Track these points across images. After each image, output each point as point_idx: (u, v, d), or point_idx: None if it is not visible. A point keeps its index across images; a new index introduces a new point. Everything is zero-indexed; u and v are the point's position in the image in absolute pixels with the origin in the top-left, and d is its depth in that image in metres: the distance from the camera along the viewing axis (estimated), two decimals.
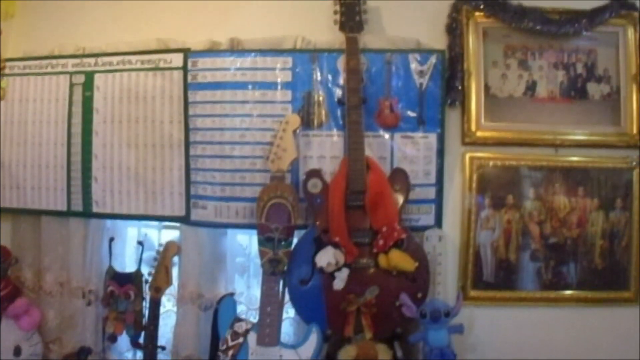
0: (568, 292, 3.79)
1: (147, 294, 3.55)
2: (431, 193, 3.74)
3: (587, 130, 3.78)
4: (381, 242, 3.41)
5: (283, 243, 3.43)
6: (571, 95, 3.77)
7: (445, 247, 3.70)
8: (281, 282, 3.38)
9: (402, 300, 3.34)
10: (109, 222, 3.92)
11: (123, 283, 3.61)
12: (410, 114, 3.70)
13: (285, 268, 3.38)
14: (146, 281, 3.54)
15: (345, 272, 3.34)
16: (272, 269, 3.40)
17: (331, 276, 3.33)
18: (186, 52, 3.69)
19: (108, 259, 3.75)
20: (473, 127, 3.80)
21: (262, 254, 3.41)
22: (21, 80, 4.01)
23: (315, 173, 3.53)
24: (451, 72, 3.70)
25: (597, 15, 3.59)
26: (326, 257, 3.28)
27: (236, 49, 3.69)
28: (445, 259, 3.71)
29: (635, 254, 3.69)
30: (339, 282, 3.31)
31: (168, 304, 3.80)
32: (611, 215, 3.74)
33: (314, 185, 3.54)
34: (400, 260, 3.39)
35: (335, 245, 3.31)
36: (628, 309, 3.68)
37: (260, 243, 3.42)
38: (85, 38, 3.95)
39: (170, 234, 3.84)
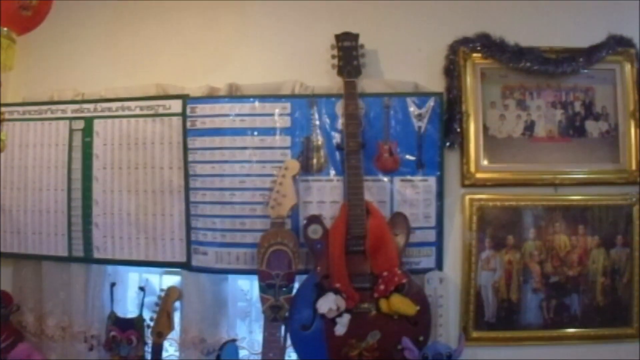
0: (570, 330, 3.77)
1: (149, 339, 3.54)
2: (431, 235, 3.74)
3: (586, 168, 3.77)
4: (382, 287, 3.39)
5: (284, 289, 3.40)
6: (569, 133, 3.78)
7: (447, 289, 3.66)
8: (283, 328, 3.37)
9: (404, 344, 3.35)
10: (110, 268, 3.85)
11: (125, 328, 3.60)
12: (409, 157, 3.71)
13: (287, 314, 3.34)
14: (148, 326, 3.54)
15: (346, 318, 3.31)
16: (273, 315, 3.38)
17: (333, 321, 3.30)
18: (185, 98, 3.71)
19: (110, 304, 3.70)
20: (472, 169, 3.81)
21: (263, 300, 3.40)
22: (21, 125, 4.00)
23: (316, 219, 3.52)
24: (449, 114, 3.71)
25: (594, 53, 3.64)
26: (327, 304, 3.27)
27: (235, 95, 3.70)
28: (446, 300, 3.66)
29: (637, 290, 3.67)
30: (341, 328, 3.29)
31: (170, 349, 3.77)
32: (612, 252, 3.74)
33: (314, 231, 3.53)
34: (401, 304, 3.36)
35: (336, 291, 3.29)
36: (631, 345, 3.67)
37: (262, 289, 3.40)
38: (84, 83, 3.96)
39: (172, 279, 3.81)
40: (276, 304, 3.40)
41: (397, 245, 3.48)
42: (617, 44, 3.68)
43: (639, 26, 3.66)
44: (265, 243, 3.44)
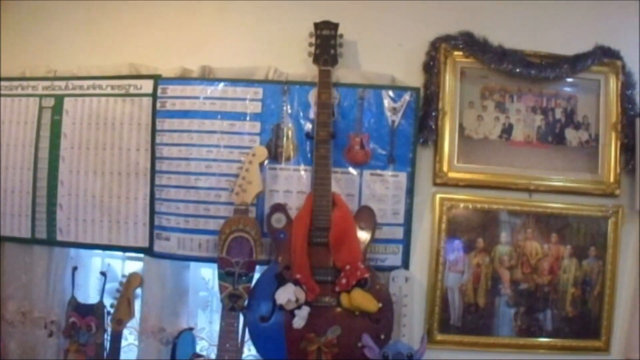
0: (539, 340, 3.76)
1: (108, 326, 3.45)
2: (399, 233, 3.70)
3: (563, 177, 3.76)
4: (344, 280, 3.34)
5: (244, 278, 3.36)
6: (548, 140, 3.75)
7: (412, 289, 3.63)
8: (241, 318, 3.29)
9: (364, 341, 3.26)
10: (72, 251, 3.80)
11: (85, 314, 3.51)
12: (381, 151, 3.66)
13: (245, 304, 3.29)
14: (108, 313, 3.45)
15: (305, 311, 3.24)
16: (231, 304, 3.33)
17: (292, 314, 3.22)
18: (156, 79, 3.64)
19: (71, 289, 3.59)
20: (445, 168, 3.77)
21: (222, 288, 3.32)
22: None
23: (280, 207, 3.48)
24: (425, 110, 3.67)
25: (580, 62, 3.63)
26: (286, 294, 3.20)
27: (207, 77, 3.61)
28: (411, 300, 3.64)
29: (607, 303, 3.68)
30: (299, 321, 3.22)
31: (130, 337, 3.71)
32: (584, 264, 3.73)
33: (278, 220, 3.50)
34: (362, 300, 3.32)
35: (297, 283, 3.21)
36: (599, 358, 3.68)
37: (221, 277, 3.34)
38: (57, 60, 3.89)
39: (134, 265, 3.74)
40: (235, 293, 3.35)
41: (362, 239, 3.43)
42: (603, 54, 3.67)
43: (627, 40, 3.68)
44: (226, 229, 3.39)
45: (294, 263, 3.31)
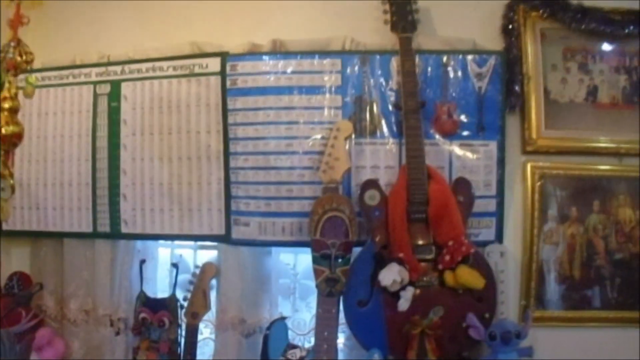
0: (637, 313, 3.39)
1: (182, 320, 3.37)
2: (491, 205, 3.47)
3: None
4: (447, 257, 3.15)
5: (340, 260, 3.17)
6: (634, 101, 3.49)
7: (507, 264, 3.41)
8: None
9: (469, 321, 3.09)
10: (139, 244, 3.67)
11: (156, 309, 3.43)
12: (469, 119, 3.44)
13: (343, 288, 3.03)
14: (181, 307, 3.39)
15: (410, 291, 3.06)
16: (329, 290, 3.17)
17: (393, 296, 3.07)
18: (224, 56, 3.49)
19: (139, 283, 3.54)
20: (534, 135, 3.57)
21: (317, 273, 3.17)
22: (40, 92, 3.64)
23: (373, 184, 3.27)
24: (509, 75, 3.46)
25: None
26: (391, 275, 3.03)
27: (279, 51, 3.46)
28: (507, 276, 3.42)
29: None
30: (404, 303, 3.05)
31: (206, 331, 3.57)
32: None
33: (372, 197, 3.30)
34: (469, 277, 3.12)
35: (400, 262, 3.03)
36: None
37: (315, 261, 3.17)
38: (110, 44, 3.75)
39: (208, 255, 3.63)
40: (332, 277, 3.16)
41: (462, 213, 3.15)
42: None
43: None
44: (319, 209, 3.20)
45: (394, 241, 3.13)
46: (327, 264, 3.19)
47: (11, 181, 3.17)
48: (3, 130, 3.04)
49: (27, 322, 3.31)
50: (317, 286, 3.12)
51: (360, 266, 3.19)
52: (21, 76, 3.10)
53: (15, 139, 3.19)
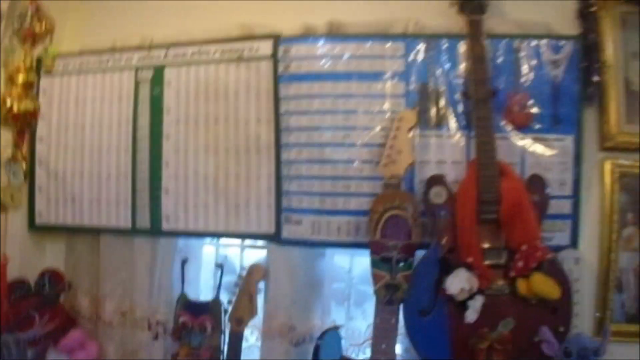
0: None
1: (226, 326, 3.17)
2: (566, 207, 3.14)
3: None
4: (521, 263, 2.85)
5: (402, 264, 2.92)
6: None
7: (582, 272, 3.07)
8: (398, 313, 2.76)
9: (542, 335, 2.72)
10: (181, 242, 3.49)
11: (198, 313, 3.22)
12: (543, 111, 3.14)
13: (404, 295, 2.82)
14: (225, 311, 3.17)
15: (479, 301, 2.76)
16: (388, 297, 2.90)
17: (459, 305, 2.77)
18: (276, 39, 3.25)
19: (180, 284, 3.34)
20: (613, 130, 3.20)
21: (376, 278, 2.92)
22: (77, 78, 3.67)
23: (439, 180, 3.00)
24: (586, 63, 3.14)
25: None
26: (458, 282, 2.76)
27: (336, 34, 3.23)
28: (582, 285, 3.06)
29: None
30: (472, 313, 2.76)
31: (251, 338, 3.38)
32: None
33: (438, 195, 3.02)
34: (545, 286, 2.80)
35: (468, 268, 2.75)
36: None
37: (375, 264, 2.93)
38: (153, 27, 3.57)
39: (255, 255, 3.43)
40: (392, 283, 2.90)
41: (536, 214, 2.82)
42: None
43: None
44: (379, 207, 2.95)
45: (462, 244, 2.85)
46: (388, 268, 2.93)
47: (24, 165, 3.02)
48: (15, 108, 2.70)
49: (42, 326, 3.34)
50: (375, 292, 2.88)
51: (424, 271, 2.93)
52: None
53: (29, 118, 3.02)
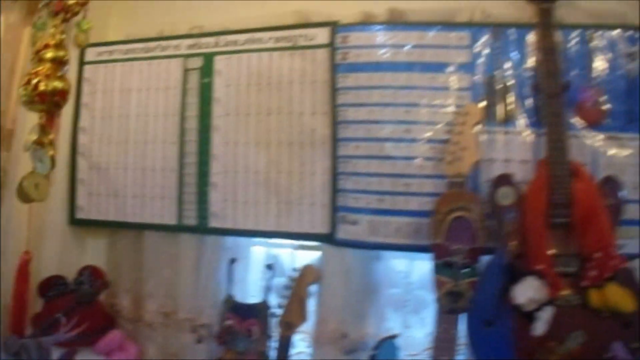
0: None
1: (274, 331, 3.05)
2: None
3: None
4: (594, 272, 2.63)
5: (466, 270, 2.72)
6: None
7: None
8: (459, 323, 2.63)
9: (614, 350, 2.47)
10: (229, 240, 3.38)
11: (245, 316, 3.13)
12: (617, 108, 2.91)
13: (468, 304, 2.63)
14: (274, 315, 3.06)
15: (549, 312, 2.55)
16: (451, 305, 2.70)
17: (526, 316, 2.58)
18: (334, 26, 3.13)
19: (226, 285, 3.25)
20: None
21: (438, 284, 2.74)
22: (123, 67, 3.59)
23: (507, 180, 2.81)
24: None
25: None
26: (527, 292, 2.58)
27: (397, 22, 3.06)
28: None
29: None
30: (541, 325, 2.55)
31: (301, 345, 3.23)
32: None
33: (505, 196, 2.83)
34: (620, 298, 2.57)
35: (538, 275, 2.57)
36: None
37: (437, 270, 2.76)
38: (203, 13, 3.48)
39: (308, 257, 3.26)
40: (455, 290, 2.70)
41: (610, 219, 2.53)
42: None
43: None
44: (443, 208, 2.78)
45: (531, 250, 2.65)
46: (451, 274, 2.76)
47: (51, 152, 2.81)
48: (42, 86, 2.67)
49: (71, 328, 3.21)
50: (437, 300, 2.72)
51: (489, 278, 2.74)
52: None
53: (58, 98, 2.83)
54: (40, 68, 2.68)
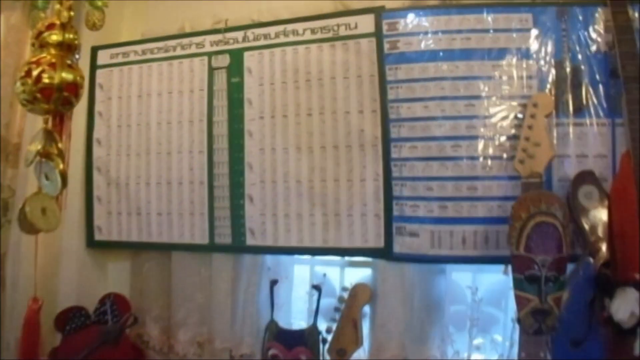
0: None
1: (326, 358, 2.83)
2: None
3: None
4: None
5: (552, 284, 2.41)
6: None
7: None
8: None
9: None
10: (269, 259, 3.12)
11: (291, 344, 2.91)
12: None
13: (556, 323, 2.35)
14: (324, 341, 2.89)
15: None
16: (537, 325, 2.40)
17: (622, 333, 2.28)
18: (378, 12, 2.86)
19: (269, 310, 3.01)
20: None
21: (520, 302, 2.45)
22: (140, 69, 3.33)
23: (589, 177, 2.59)
24: None
25: None
26: (628, 305, 2.27)
27: (451, 5, 2.79)
28: None
29: None
30: None
31: None
32: None
33: (588, 196, 2.58)
34: None
35: (638, 287, 2.24)
36: None
37: (519, 285, 2.48)
38: (228, 5, 3.26)
39: (360, 274, 3.08)
40: (542, 308, 2.41)
41: None
42: None
43: None
44: (522, 213, 2.48)
45: (624, 257, 2.38)
46: (536, 289, 2.47)
47: (61, 166, 2.31)
48: (46, 78, 2.16)
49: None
50: (519, 320, 2.46)
51: (576, 292, 2.47)
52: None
53: (67, 92, 2.27)
54: (42, 55, 2.18)
